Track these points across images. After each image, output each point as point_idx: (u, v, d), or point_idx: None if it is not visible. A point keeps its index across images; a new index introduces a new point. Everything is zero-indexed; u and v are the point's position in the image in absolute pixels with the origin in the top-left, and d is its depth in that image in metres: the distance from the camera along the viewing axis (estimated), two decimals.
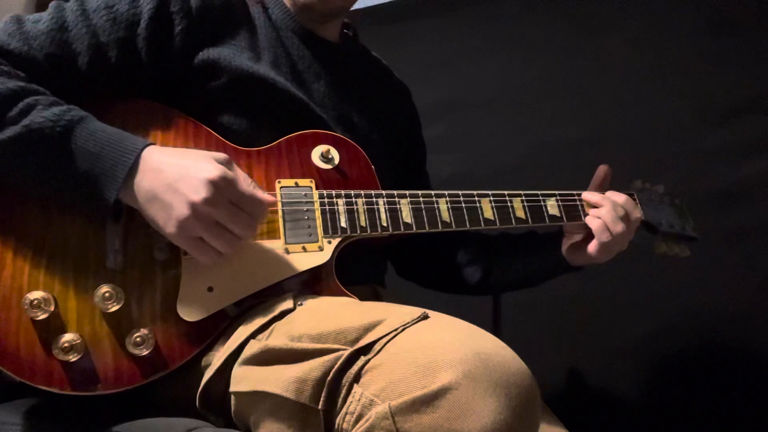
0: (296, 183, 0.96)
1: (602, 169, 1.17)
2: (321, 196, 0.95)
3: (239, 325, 0.84)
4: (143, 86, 0.95)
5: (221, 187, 0.79)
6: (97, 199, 0.79)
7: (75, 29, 0.88)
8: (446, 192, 1.03)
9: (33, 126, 0.78)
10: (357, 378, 0.66)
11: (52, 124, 0.78)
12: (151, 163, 0.80)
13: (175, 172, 0.79)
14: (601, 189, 1.16)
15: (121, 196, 0.80)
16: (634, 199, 1.17)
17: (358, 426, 0.63)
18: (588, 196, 1.12)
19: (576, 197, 1.13)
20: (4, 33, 0.85)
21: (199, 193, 0.77)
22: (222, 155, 0.84)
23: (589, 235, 1.10)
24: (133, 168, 0.80)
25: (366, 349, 0.68)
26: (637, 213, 1.11)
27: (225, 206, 0.80)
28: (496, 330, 1.54)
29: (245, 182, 0.84)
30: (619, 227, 1.07)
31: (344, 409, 0.66)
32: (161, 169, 0.80)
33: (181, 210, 0.78)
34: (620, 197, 1.11)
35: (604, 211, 1.08)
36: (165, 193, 0.78)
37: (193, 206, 0.77)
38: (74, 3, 0.90)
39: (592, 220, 1.09)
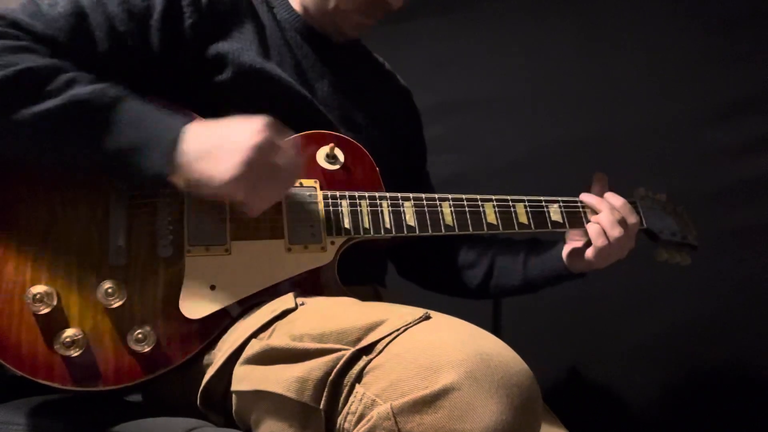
0: (301, 183, 0.96)
1: (599, 178, 1.17)
2: (325, 197, 0.96)
3: (241, 324, 0.84)
4: (154, 79, 0.95)
5: (271, 133, 0.81)
6: (143, 166, 0.79)
7: (92, 15, 0.89)
8: (450, 196, 1.03)
9: (80, 97, 0.79)
10: (359, 378, 0.66)
11: (101, 94, 0.80)
12: (197, 131, 0.82)
13: (225, 130, 0.82)
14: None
15: (166, 163, 0.80)
16: (635, 206, 1.17)
17: (359, 426, 0.63)
18: (586, 197, 1.13)
19: (579, 203, 1.13)
20: (26, 14, 0.86)
21: (258, 136, 0.80)
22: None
23: (589, 241, 1.10)
24: (179, 137, 0.80)
25: (368, 349, 0.68)
26: (632, 218, 1.11)
27: (277, 149, 0.82)
28: (496, 330, 1.55)
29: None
30: (616, 231, 1.07)
31: (346, 409, 0.66)
32: (211, 131, 0.82)
33: (244, 152, 0.79)
34: (618, 200, 1.12)
35: (602, 216, 1.09)
36: (219, 148, 0.79)
37: (257, 146, 0.79)
38: None
39: (590, 226, 1.09)
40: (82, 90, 0.79)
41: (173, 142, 0.80)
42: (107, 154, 0.80)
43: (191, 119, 0.84)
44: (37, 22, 0.85)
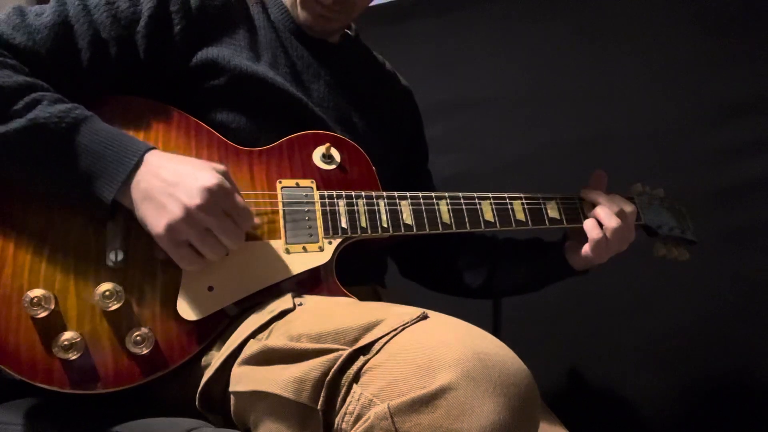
0: (297, 183, 0.96)
1: (598, 175, 1.17)
2: (322, 197, 0.96)
3: (239, 325, 0.84)
4: (143, 84, 0.95)
5: (217, 196, 0.80)
6: (95, 197, 0.80)
7: (77, 25, 0.89)
8: (447, 194, 1.04)
9: (39, 120, 0.78)
10: (356, 378, 0.66)
11: (58, 120, 0.79)
12: (151, 166, 0.81)
13: (173, 177, 0.80)
14: None
15: (118, 196, 0.81)
16: (633, 202, 1.16)
17: (357, 426, 0.63)
18: (584, 192, 1.14)
19: (576, 200, 1.14)
20: (9, 26, 0.85)
21: (195, 199, 0.78)
22: (221, 166, 0.84)
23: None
24: (133, 170, 0.80)
25: (365, 349, 0.67)
26: (629, 207, 1.11)
27: (217, 215, 0.80)
28: (495, 330, 1.54)
29: (240, 194, 0.85)
30: (613, 222, 1.07)
31: (343, 409, 0.65)
32: (160, 172, 0.80)
33: (175, 212, 0.78)
34: (614, 196, 1.13)
35: (599, 208, 1.09)
36: (161, 194, 0.79)
37: (187, 210, 0.78)
38: None
39: (586, 221, 1.09)
40: (43, 112, 0.79)
41: (127, 175, 0.80)
42: (60, 179, 0.80)
43: (151, 147, 0.83)
44: (19, 35, 0.85)
